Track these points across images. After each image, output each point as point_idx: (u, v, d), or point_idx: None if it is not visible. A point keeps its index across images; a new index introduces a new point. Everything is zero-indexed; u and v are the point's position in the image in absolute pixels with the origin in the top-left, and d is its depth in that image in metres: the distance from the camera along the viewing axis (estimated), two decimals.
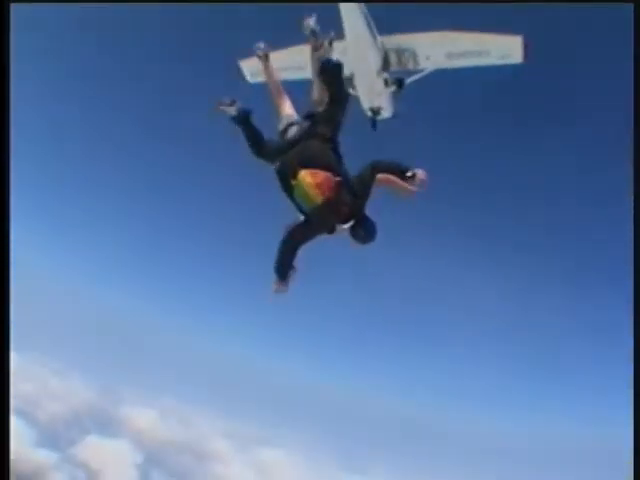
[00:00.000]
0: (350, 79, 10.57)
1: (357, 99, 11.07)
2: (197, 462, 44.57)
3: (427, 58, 10.56)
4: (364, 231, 4.65)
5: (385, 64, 10.74)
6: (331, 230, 4.68)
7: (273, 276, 4.87)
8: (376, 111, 11.31)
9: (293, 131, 4.96)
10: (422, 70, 10.84)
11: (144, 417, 46.14)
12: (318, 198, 4.43)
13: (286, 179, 4.56)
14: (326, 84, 4.91)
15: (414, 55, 10.58)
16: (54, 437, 39.24)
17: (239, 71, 11.57)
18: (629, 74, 8.49)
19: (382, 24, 10.45)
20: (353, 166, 4.77)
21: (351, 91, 10.42)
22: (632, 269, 7.85)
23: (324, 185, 4.42)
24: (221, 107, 4.94)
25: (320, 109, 4.93)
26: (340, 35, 9.61)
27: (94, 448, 39.26)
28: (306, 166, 4.46)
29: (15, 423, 31.48)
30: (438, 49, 10.37)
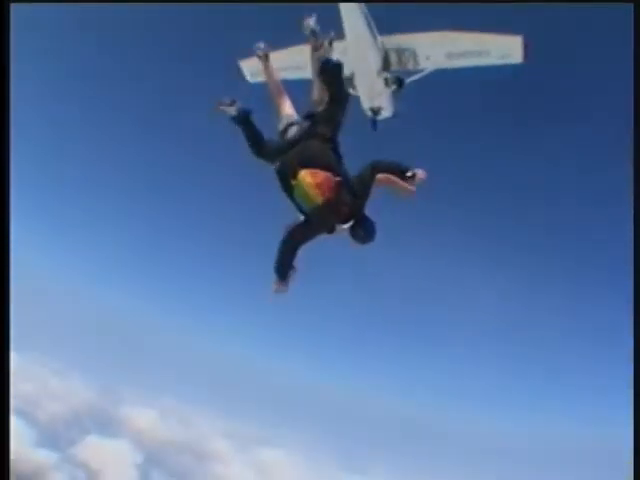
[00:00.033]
0: (350, 79, 10.57)
1: (357, 99, 11.06)
2: (197, 462, 44.58)
3: (427, 58, 10.57)
4: (364, 231, 4.65)
5: (385, 64, 10.75)
6: (331, 230, 4.68)
7: (273, 276, 4.86)
8: (376, 111, 11.32)
9: (293, 131, 4.95)
10: (422, 70, 10.84)
11: (144, 417, 46.10)
12: (318, 198, 4.43)
13: (286, 179, 4.56)
14: (326, 84, 4.91)
15: (414, 55, 10.59)
16: (54, 437, 39.26)
17: (239, 71, 11.56)
18: (629, 74, 8.51)
19: (382, 24, 10.47)
20: (353, 166, 4.78)
21: (351, 91, 10.43)
22: (632, 269, 7.87)
23: (324, 185, 4.42)
24: (221, 107, 4.93)
25: (320, 109, 4.92)
26: (340, 35, 9.61)
27: (94, 448, 39.23)
28: (306, 166, 4.46)
29: (15, 423, 31.47)
30: (438, 49, 10.37)
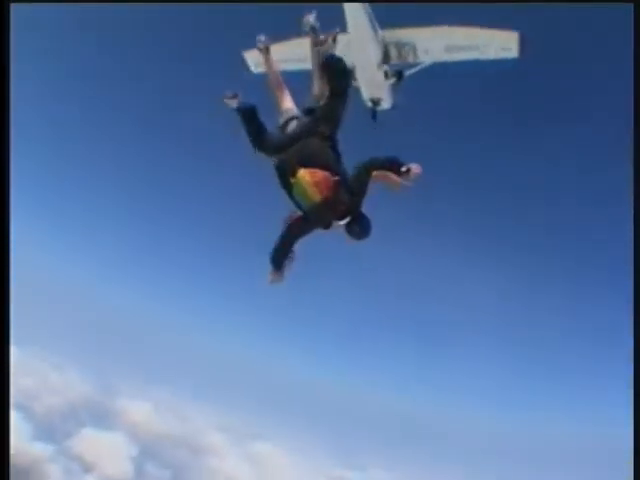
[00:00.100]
0: (351, 71, 10.68)
1: (356, 95, 11.18)
2: (192, 455, 44.81)
3: (426, 52, 10.76)
4: (359, 227, 4.69)
5: (385, 57, 10.93)
6: (327, 226, 4.73)
7: (269, 268, 4.86)
8: (376, 102, 11.51)
9: (293, 125, 4.98)
10: (421, 63, 11.00)
11: (139, 410, 46.23)
12: (316, 197, 4.48)
13: (285, 177, 4.60)
14: (328, 79, 4.91)
15: (414, 49, 10.78)
16: (50, 430, 39.38)
17: (243, 62, 11.68)
18: (629, 74, 8.54)
19: (383, 18, 10.61)
20: (351, 162, 4.80)
21: (353, 82, 10.57)
22: (632, 269, 7.91)
23: (322, 184, 4.47)
24: (225, 100, 4.95)
25: (320, 103, 4.93)
26: (342, 28, 9.68)
27: (89, 441, 39.37)
28: (305, 165, 4.50)
29: (13, 416, 31.54)
30: (437, 43, 10.55)
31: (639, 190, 7.64)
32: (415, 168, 4.68)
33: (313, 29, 5.05)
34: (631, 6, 8.62)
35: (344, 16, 9.88)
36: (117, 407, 46.04)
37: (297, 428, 54.67)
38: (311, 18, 5.06)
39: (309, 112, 4.99)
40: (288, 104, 5.21)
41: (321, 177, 4.47)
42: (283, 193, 4.69)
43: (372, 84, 11.16)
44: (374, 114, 11.64)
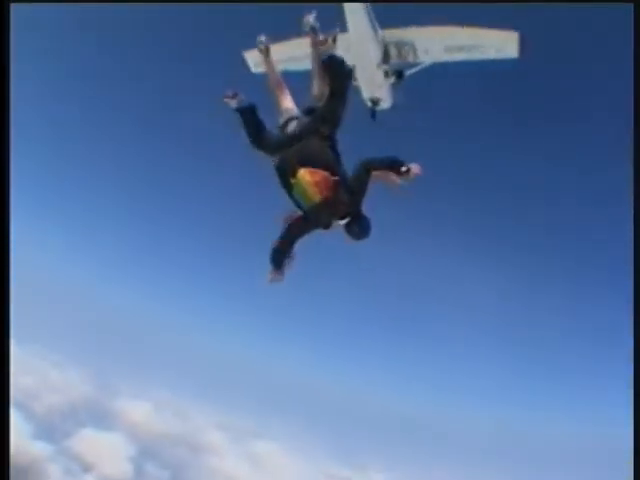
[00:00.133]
0: (351, 71, 10.71)
1: (356, 95, 11.20)
2: (192, 454, 44.80)
3: (426, 52, 10.74)
4: (359, 227, 4.70)
5: (385, 57, 10.92)
6: (327, 226, 4.74)
7: (268, 268, 4.85)
8: (376, 102, 11.51)
9: (293, 125, 4.98)
10: (421, 63, 11.01)
11: (139, 410, 46.29)
12: (316, 197, 4.50)
13: (285, 176, 4.61)
14: (328, 79, 4.91)
15: (413, 48, 10.76)
16: (50, 429, 39.37)
17: (243, 62, 11.70)
18: (629, 74, 8.54)
19: (383, 18, 10.61)
20: (351, 162, 4.80)
21: (352, 83, 10.59)
22: (632, 269, 7.91)
23: (322, 184, 4.49)
24: (225, 99, 4.95)
25: (320, 104, 4.93)
26: (342, 28, 9.70)
27: (89, 440, 39.38)
28: (305, 165, 4.51)
29: (13, 415, 31.53)
30: (437, 43, 10.54)
31: (639, 190, 7.63)
32: (415, 168, 4.71)
33: (313, 29, 5.05)
34: (631, 6, 8.62)
35: (344, 16, 9.88)
36: (117, 407, 46.10)
37: (297, 427, 54.70)
38: (311, 18, 5.05)
39: (309, 112, 5.00)
40: (288, 104, 5.21)
41: (321, 177, 4.48)
42: (283, 193, 4.70)
43: (372, 84, 11.17)
44: (374, 114, 11.64)
